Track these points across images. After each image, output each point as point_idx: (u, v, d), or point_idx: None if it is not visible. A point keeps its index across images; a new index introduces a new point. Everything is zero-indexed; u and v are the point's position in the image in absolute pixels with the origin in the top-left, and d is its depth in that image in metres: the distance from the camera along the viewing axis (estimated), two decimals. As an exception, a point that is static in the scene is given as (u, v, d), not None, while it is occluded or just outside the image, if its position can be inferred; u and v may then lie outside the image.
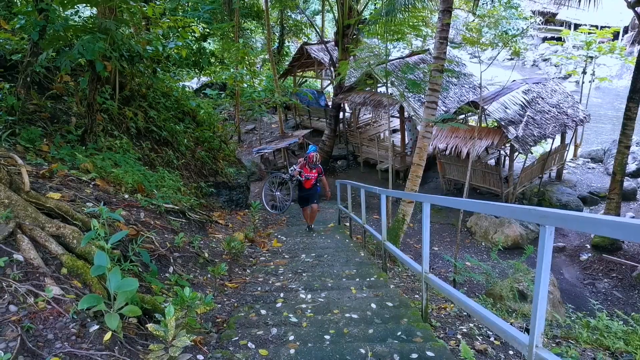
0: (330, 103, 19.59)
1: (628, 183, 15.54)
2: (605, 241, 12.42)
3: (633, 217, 14.37)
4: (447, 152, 14.54)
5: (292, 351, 3.16)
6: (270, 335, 3.51)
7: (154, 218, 5.78)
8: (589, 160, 18.82)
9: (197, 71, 16.51)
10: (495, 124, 14.94)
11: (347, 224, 10.56)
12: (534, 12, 34.77)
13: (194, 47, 13.97)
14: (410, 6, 11.86)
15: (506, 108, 14.29)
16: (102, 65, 6.76)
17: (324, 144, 17.60)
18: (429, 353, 3.09)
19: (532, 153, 15.67)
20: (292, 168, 9.63)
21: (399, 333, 3.49)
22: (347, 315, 3.93)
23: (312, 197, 9.58)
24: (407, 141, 17.24)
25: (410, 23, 12.87)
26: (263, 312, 4.14)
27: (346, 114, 20.17)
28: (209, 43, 26.09)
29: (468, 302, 3.02)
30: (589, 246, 12.85)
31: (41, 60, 6.86)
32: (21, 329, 2.48)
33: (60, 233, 3.31)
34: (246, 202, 13.01)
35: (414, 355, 3.06)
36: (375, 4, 20.11)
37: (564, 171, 17.18)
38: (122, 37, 7.53)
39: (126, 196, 6.01)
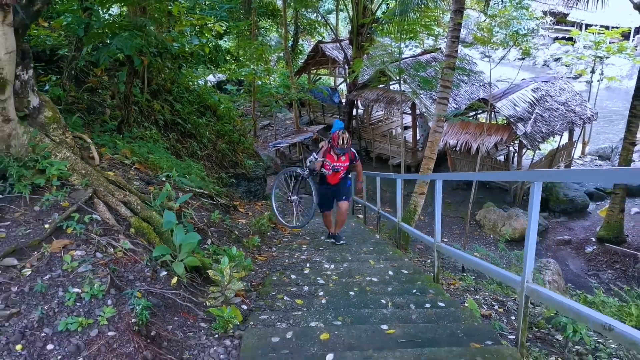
0: (343, 100, 20.12)
1: (634, 180, 15.92)
2: (610, 234, 12.85)
3: (638, 212, 14.82)
4: (458, 148, 15.03)
5: (323, 301, 3.72)
6: (302, 292, 4.08)
7: (190, 199, 6.37)
8: (597, 157, 19.22)
9: (212, 68, 17.15)
10: (505, 121, 15.39)
11: (360, 216, 11.11)
12: (544, 13, 35.04)
13: (210, 44, 14.57)
14: (423, 6, 12.37)
15: (515, 105, 14.74)
16: (139, 60, 7.35)
17: (338, 139, 18.14)
18: (440, 303, 3.64)
19: (540, 149, 16.09)
20: (310, 158, 6.38)
21: (414, 291, 4.04)
22: (367, 278, 4.49)
23: (338, 193, 6.67)
24: (418, 137, 17.74)
25: (423, 22, 13.38)
26: (293, 276, 4.70)
27: (359, 111, 20.68)
28: (225, 41, 26.73)
29: (472, 258, 3.57)
30: (594, 239, 13.28)
31: (83, 55, 7.47)
32: (109, 270, 3.06)
33: (126, 200, 3.89)
34: (263, 194, 13.59)
35: (427, 305, 3.61)
36: (388, 4, 20.59)
37: (572, 168, 17.60)
38: (155, 34, 8.14)
39: (164, 179, 6.60)
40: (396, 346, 2.79)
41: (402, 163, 12.23)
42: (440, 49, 18.37)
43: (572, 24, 36.05)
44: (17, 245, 3.07)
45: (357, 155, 6.53)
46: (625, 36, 30.05)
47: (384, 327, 3.04)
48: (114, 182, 4.17)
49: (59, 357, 2.48)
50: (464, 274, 8.75)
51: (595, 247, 12.98)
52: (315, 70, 23.99)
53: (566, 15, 34.96)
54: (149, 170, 6.75)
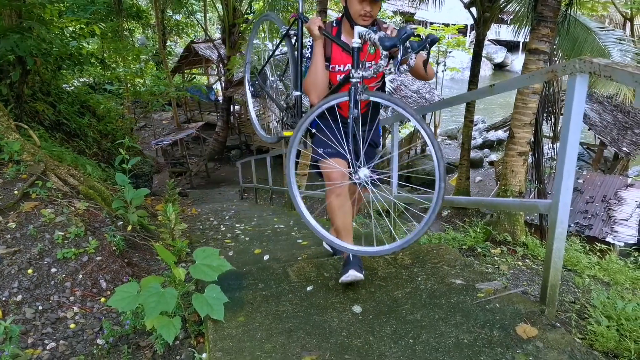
0: (219, 98, 20.88)
1: (476, 154, 18.89)
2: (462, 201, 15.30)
3: (481, 180, 17.65)
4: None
5: (247, 239, 4.78)
6: (227, 237, 5.09)
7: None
8: (446, 137, 22.24)
9: (76, 72, 16.98)
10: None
11: (247, 196, 12.15)
12: (394, 13, 38.68)
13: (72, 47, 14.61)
14: (289, 7, 13.73)
15: (376, 94, 16.72)
16: (32, 61, 7.69)
17: (218, 135, 18.89)
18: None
19: (400, 132, 18.36)
20: None
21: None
22: (275, 226, 5.61)
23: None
24: (294, 128, 19.13)
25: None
26: (211, 233, 5.66)
27: (236, 107, 21.54)
28: (88, 43, 25.88)
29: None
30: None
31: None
32: (81, 219, 3.82)
33: (71, 173, 4.57)
34: (151, 190, 14.02)
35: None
36: (252, 4, 21.64)
37: (427, 147, 20.21)
38: (45, 35, 8.42)
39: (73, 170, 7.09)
40: (310, 248, 3.95)
41: (283, 153, 13.45)
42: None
43: (419, 23, 40.18)
44: (-4, 207, 3.71)
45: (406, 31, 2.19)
46: (463, 32, 34.30)
47: (299, 241, 4.19)
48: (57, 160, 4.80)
49: (63, 275, 3.27)
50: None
51: (449, 210, 15.36)
52: (189, 70, 24.35)
53: (413, 14, 38.91)
54: (57, 161, 7.17)
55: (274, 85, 3.34)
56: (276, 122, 3.07)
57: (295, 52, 2.89)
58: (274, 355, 2.11)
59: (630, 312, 2.57)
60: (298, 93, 2.97)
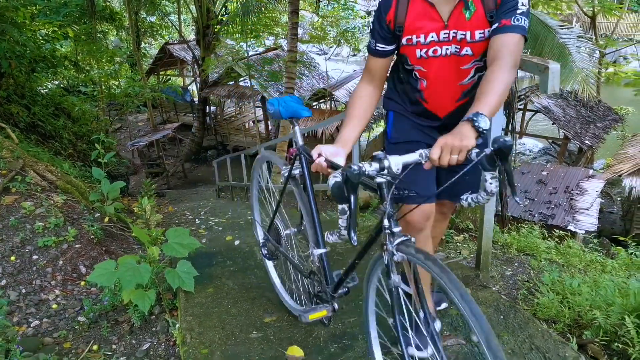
0: (195, 99, 21.01)
1: (448, 150, 19.37)
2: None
3: (453, 175, 18.09)
4: (305, 134, 16.94)
5: (220, 229, 5.02)
6: (202, 227, 5.32)
7: (78, 182, 7.11)
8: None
9: (49, 74, 16.96)
10: (343, 107, 17.66)
11: (224, 195, 12.36)
12: (367, 13, 39.12)
13: (46, 50, 14.64)
14: (262, 8, 13.96)
15: (350, 93, 17.07)
16: (7, 63, 7.81)
17: (195, 135, 19.01)
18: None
19: (373, 130, 18.75)
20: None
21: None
22: (250, 218, 5.86)
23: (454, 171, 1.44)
24: (270, 127, 19.36)
25: (264, 23, 15.00)
26: (186, 225, 5.88)
27: (212, 108, 21.66)
28: (61, 46, 25.70)
29: (325, 184, 5.13)
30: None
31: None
32: (60, 210, 4.03)
33: (49, 169, 4.76)
34: (127, 191, 14.11)
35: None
36: (226, 6, 21.80)
37: (401, 145, 20.63)
38: (18, 38, 8.54)
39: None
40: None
41: (258, 152, 13.68)
42: (281, 46, 20.14)
43: (393, 23, 40.59)
44: (-23, 201, 3.89)
45: None
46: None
47: (269, 228, 4.45)
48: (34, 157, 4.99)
49: (45, 261, 3.49)
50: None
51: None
52: (164, 72, 24.36)
53: (387, 15, 39.29)
54: (33, 160, 7.30)
55: (291, 240, 2.56)
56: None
57: (307, 196, 2.25)
58: (238, 318, 2.38)
59: (576, 287, 2.88)
60: (321, 251, 2.20)
